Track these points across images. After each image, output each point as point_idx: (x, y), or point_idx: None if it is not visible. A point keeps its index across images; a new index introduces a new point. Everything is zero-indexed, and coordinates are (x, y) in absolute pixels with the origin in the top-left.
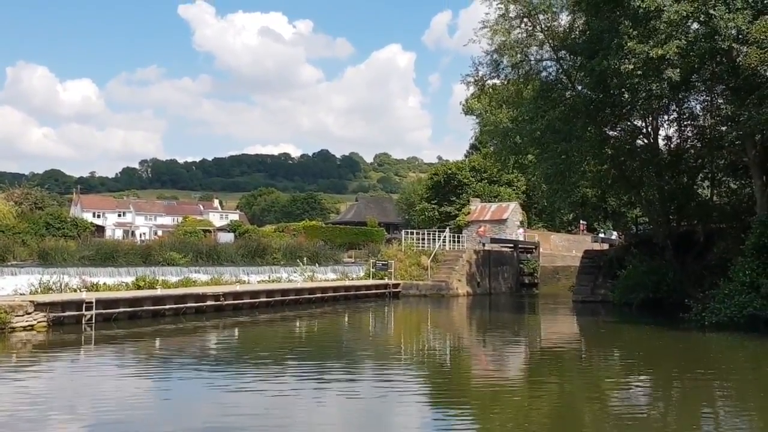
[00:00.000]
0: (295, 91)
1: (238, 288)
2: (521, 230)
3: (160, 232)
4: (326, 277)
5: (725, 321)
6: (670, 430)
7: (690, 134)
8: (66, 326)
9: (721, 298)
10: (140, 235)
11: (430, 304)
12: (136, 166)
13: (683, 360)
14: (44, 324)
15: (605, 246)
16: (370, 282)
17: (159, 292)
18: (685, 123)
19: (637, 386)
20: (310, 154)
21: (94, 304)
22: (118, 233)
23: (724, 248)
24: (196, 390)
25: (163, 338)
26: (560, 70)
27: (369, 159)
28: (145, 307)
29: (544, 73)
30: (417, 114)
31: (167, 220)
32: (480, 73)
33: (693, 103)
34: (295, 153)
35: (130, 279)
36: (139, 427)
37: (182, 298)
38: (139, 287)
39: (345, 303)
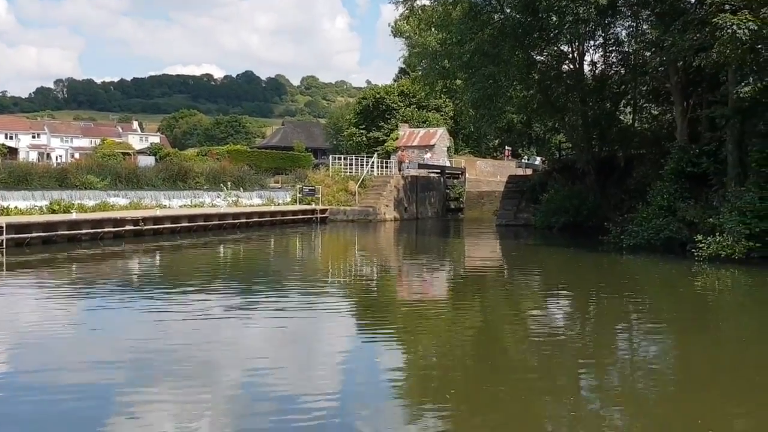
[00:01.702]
0: (217, 8)
1: (159, 213)
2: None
3: (77, 155)
4: (251, 202)
5: (642, 243)
6: (588, 348)
7: (615, 60)
8: None
9: (639, 222)
10: (56, 157)
11: (358, 230)
12: (51, 86)
13: (601, 281)
14: None
15: (529, 171)
16: (297, 207)
17: (74, 216)
18: (611, 49)
19: (556, 306)
20: (234, 76)
21: (4, 228)
22: (33, 156)
23: (644, 173)
24: (119, 316)
25: (80, 264)
26: None
27: (296, 82)
28: (59, 232)
29: None
30: (345, 36)
31: (84, 143)
32: None
33: (619, 29)
34: (218, 74)
35: (44, 203)
36: (63, 355)
37: (99, 223)
38: (53, 211)
39: (271, 228)
